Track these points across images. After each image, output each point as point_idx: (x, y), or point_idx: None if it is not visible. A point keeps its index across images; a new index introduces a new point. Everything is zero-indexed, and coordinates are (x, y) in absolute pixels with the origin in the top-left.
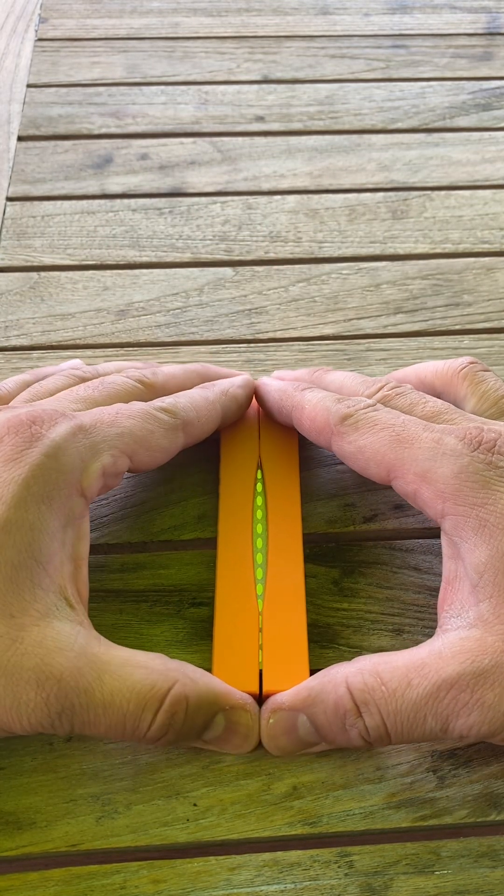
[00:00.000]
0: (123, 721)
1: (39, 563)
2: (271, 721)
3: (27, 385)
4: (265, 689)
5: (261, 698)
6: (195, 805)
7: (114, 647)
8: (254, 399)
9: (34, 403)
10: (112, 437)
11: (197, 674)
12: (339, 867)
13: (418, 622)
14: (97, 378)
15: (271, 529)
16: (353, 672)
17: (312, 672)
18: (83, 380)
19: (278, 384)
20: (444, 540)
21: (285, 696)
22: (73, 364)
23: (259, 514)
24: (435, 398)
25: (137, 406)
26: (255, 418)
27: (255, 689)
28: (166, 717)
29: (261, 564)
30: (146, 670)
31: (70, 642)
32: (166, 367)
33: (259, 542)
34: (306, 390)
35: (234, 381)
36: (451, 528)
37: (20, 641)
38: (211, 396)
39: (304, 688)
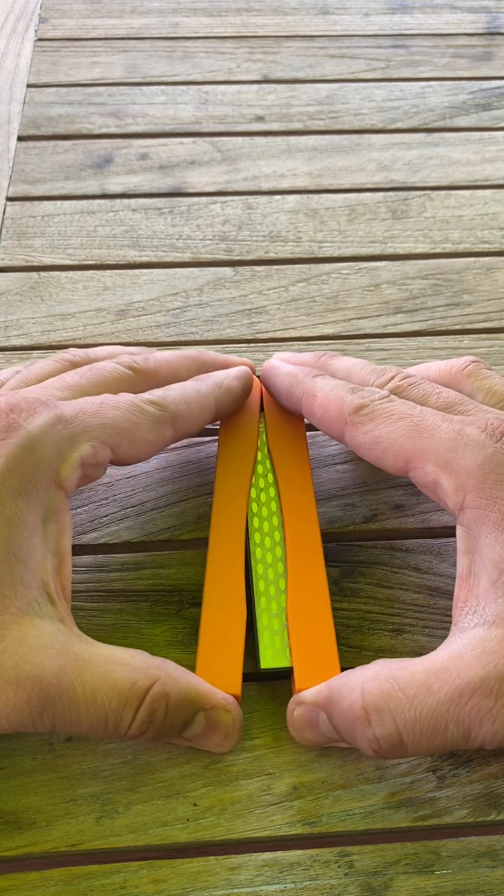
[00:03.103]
0: (105, 719)
1: (19, 558)
2: (295, 713)
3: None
4: (297, 686)
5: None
6: (195, 805)
7: (94, 645)
8: (256, 393)
9: (17, 391)
10: (94, 427)
11: (178, 672)
12: (339, 867)
13: (418, 622)
14: (87, 363)
15: (287, 525)
16: (369, 677)
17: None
18: (74, 364)
19: (288, 369)
20: (460, 533)
21: (308, 692)
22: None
23: (274, 505)
24: (448, 389)
25: (124, 397)
26: (255, 415)
27: (237, 691)
28: (146, 714)
29: (281, 558)
30: (127, 668)
31: (51, 640)
32: (160, 353)
33: (277, 536)
34: (318, 377)
35: (229, 373)
36: (471, 520)
37: (0, 640)
38: (204, 389)
39: (325, 686)
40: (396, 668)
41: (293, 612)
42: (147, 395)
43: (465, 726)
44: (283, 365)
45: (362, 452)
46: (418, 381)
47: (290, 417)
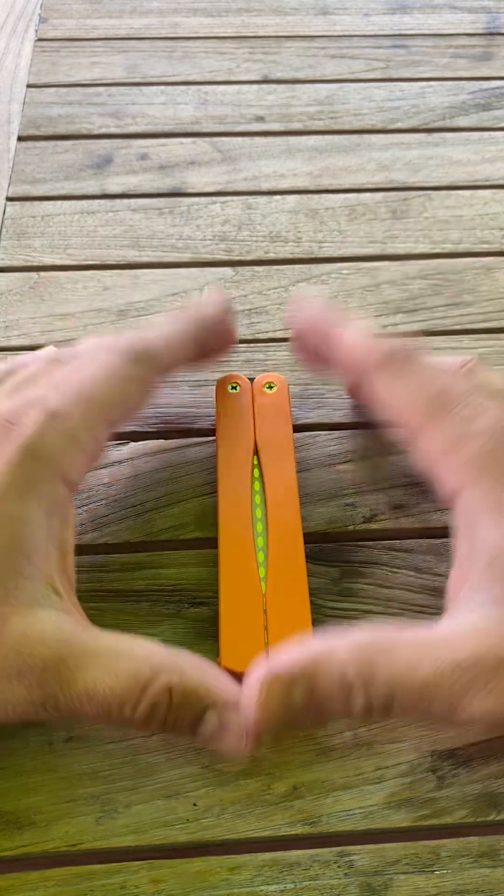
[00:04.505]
0: (108, 709)
1: (24, 553)
2: (265, 694)
3: (6, 374)
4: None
5: None
6: (195, 805)
7: (101, 635)
8: (247, 392)
9: (13, 394)
10: (87, 415)
11: (188, 664)
12: (339, 867)
13: (418, 622)
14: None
15: (270, 514)
16: (359, 644)
17: None
18: (59, 361)
19: (318, 303)
20: (459, 516)
21: (282, 664)
22: (49, 355)
23: (258, 499)
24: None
25: (105, 368)
26: (249, 410)
27: None
28: (148, 707)
29: (262, 548)
30: (131, 659)
31: (54, 631)
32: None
33: (259, 526)
34: (348, 322)
35: (205, 304)
36: (471, 502)
37: (1, 632)
38: (181, 326)
39: (303, 657)
40: (388, 637)
41: (271, 600)
42: (127, 345)
43: (451, 703)
44: (311, 303)
45: (378, 404)
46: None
47: (279, 416)
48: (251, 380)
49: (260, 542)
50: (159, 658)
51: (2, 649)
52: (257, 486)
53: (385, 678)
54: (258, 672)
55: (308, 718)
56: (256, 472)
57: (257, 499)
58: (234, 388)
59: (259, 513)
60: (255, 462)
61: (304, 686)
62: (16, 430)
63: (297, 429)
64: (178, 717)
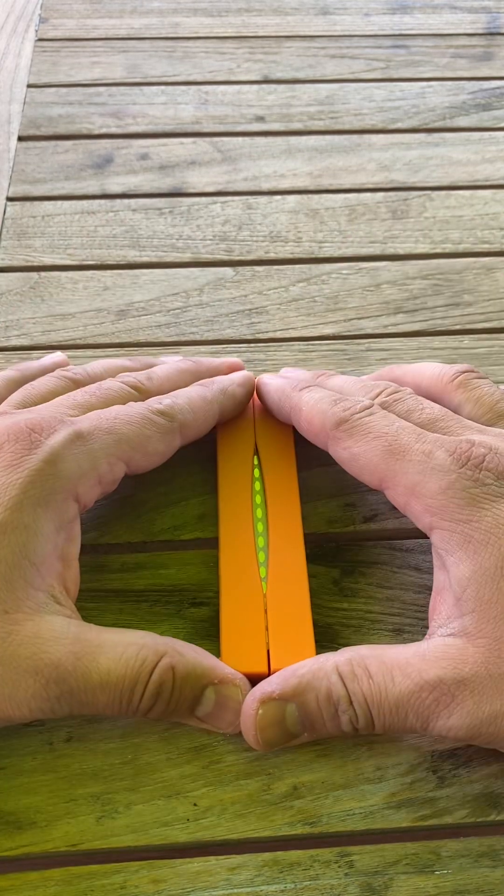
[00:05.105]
0: (120, 697)
1: (33, 563)
2: (261, 712)
3: (13, 382)
4: (273, 669)
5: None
6: (195, 805)
7: (104, 631)
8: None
9: (32, 409)
10: (109, 444)
11: (186, 648)
12: (339, 867)
13: (418, 622)
14: (92, 382)
15: (271, 514)
16: (343, 661)
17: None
18: (75, 382)
19: (278, 383)
20: (433, 552)
21: (273, 684)
22: (56, 360)
23: (258, 499)
24: (433, 404)
25: (135, 410)
26: (250, 410)
27: (265, 670)
28: (154, 687)
29: (263, 548)
30: (137, 647)
31: (63, 631)
32: (159, 369)
33: (260, 527)
34: (304, 390)
35: (233, 380)
36: (439, 541)
37: (15, 634)
38: (209, 396)
39: (292, 676)
40: (367, 656)
41: (272, 595)
42: (156, 406)
43: (423, 718)
44: (272, 379)
45: (344, 466)
46: (405, 396)
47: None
48: None
49: (261, 542)
50: (160, 643)
51: (17, 649)
52: (258, 485)
53: (365, 693)
54: (253, 694)
55: (304, 733)
56: (257, 471)
57: (258, 499)
58: None
59: (259, 513)
60: (256, 461)
61: (296, 703)
62: (43, 442)
63: None
64: (181, 697)
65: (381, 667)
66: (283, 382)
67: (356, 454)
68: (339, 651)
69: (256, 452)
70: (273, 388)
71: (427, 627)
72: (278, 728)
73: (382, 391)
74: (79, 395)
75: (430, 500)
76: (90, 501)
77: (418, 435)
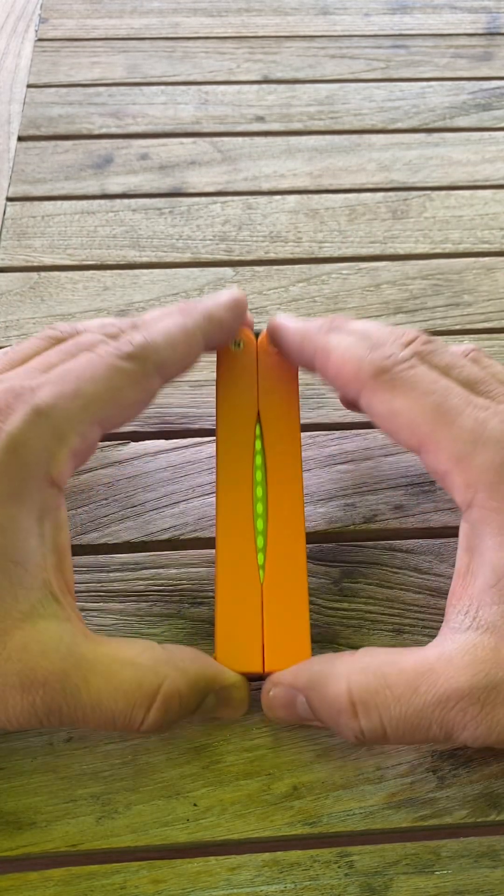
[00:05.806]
0: (113, 719)
1: (17, 563)
2: (271, 693)
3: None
4: (267, 667)
5: (263, 676)
6: (195, 805)
7: (101, 644)
8: (252, 351)
9: None
10: (76, 412)
11: (187, 661)
12: (339, 867)
13: (418, 622)
14: (73, 338)
15: (271, 503)
16: (356, 670)
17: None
18: (59, 340)
19: (298, 324)
20: (464, 530)
21: (286, 674)
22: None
23: (259, 491)
24: (468, 363)
25: (101, 361)
26: (253, 375)
27: (259, 670)
28: (160, 713)
29: (262, 549)
30: (133, 667)
31: (55, 644)
32: (148, 313)
33: (259, 524)
34: (332, 332)
35: (219, 302)
36: (478, 519)
37: (2, 647)
38: (190, 325)
39: (305, 671)
40: (384, 663)
41: (269, 591)
42: (126, 349)
43: (447, 728)
44: (291, 321)
45: (377, 421)
46: (441, 348)
47: (285, 386)
48: (257, 334)
49: (260, 542)
50: (161, 662)
51: (4, 664)
52: (259, 460)
53: (380, 708)
54: (266, 684)
55: (311, 721)
56: (258, 443)
57: (259, 491)
58: (237, 345)
59: (260, 508)
60: (258, 433)
61: (306, 696)
62: (1, 429)
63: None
64: (186, 710)
65: (401, 676)
66: (304, 324)
67: (396, 410)
68: (356, 653)
69: (259, 421)
70: (294, 329)
71: (428, 628)
72: (289, 711)
73: (415, 339)
74: (53, 354)
75: (476, 474)
76: (67, 476)
77: (468, 397)
